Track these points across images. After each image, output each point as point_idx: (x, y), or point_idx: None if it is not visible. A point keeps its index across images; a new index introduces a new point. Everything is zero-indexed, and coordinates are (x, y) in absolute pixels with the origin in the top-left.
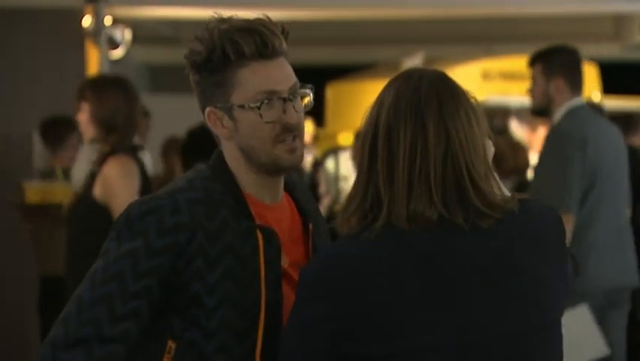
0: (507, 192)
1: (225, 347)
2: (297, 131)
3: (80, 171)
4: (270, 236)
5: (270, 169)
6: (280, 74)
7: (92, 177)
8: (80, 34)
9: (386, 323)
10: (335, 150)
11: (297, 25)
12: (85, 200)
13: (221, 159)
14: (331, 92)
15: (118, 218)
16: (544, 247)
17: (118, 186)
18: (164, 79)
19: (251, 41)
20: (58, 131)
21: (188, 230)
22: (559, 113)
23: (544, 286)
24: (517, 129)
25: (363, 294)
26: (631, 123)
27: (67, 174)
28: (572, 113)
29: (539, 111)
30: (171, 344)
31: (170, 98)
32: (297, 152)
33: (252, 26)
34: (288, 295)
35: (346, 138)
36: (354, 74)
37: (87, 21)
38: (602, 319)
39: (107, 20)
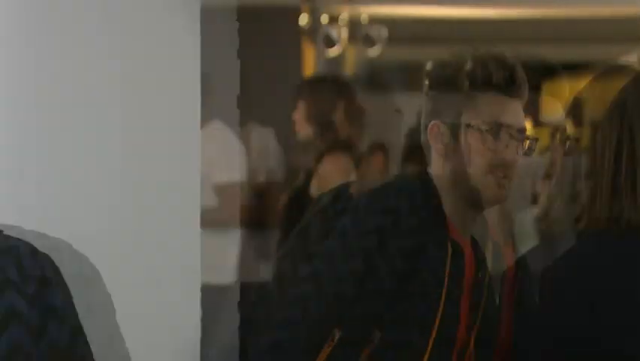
0: None
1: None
2: (509, 172)
3: None
4: (457, 251)
5: (471, 199)
6: (516, 113)
7: (307, 175)
8: (297, 32)
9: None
10: None
11: None
12: (301, 198)
13: (429, 178)
14: None
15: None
16: None
17: (335, 184)
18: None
19: (501, 73)
20: None
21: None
22: None
23: None
24: None
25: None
26: None
27: None
28: None
29: None
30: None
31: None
32: (504, 189)
33: (507, 61)
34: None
35: None
36: None
37: (303, 19)
38: None
39: (324, 19)
